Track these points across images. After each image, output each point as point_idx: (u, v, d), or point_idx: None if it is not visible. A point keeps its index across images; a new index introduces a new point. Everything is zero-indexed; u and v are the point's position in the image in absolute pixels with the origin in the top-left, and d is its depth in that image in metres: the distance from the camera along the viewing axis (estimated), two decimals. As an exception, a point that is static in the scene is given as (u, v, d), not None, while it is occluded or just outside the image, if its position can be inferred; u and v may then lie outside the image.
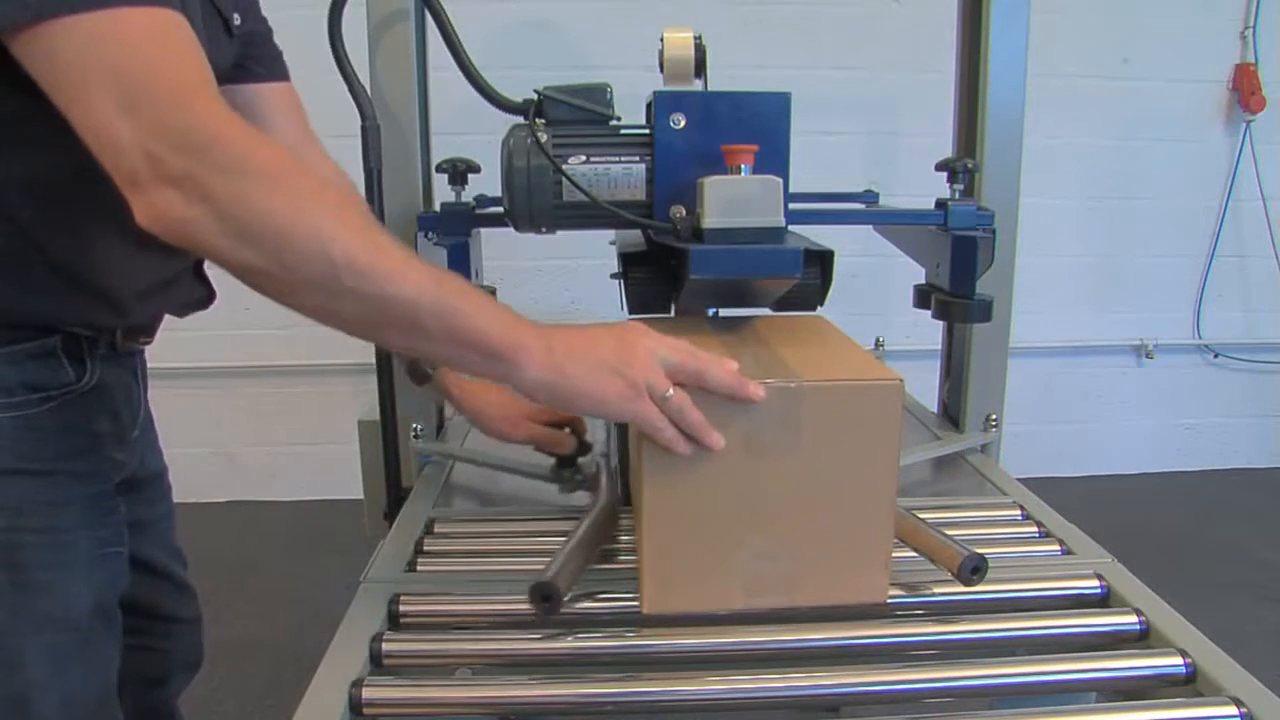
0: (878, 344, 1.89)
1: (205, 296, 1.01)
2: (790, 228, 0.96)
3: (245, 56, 1.01)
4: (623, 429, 1.02)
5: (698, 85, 1.06)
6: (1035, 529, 1.03)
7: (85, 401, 0.86)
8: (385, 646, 0.79)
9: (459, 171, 1.17)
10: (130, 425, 0.95)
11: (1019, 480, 1.18)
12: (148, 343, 0.97)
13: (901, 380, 0.78)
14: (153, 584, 1.08)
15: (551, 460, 1.14)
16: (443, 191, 1.20)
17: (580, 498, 1.10)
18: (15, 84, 0.67)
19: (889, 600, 0.84)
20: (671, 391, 0.74)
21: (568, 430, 1.13)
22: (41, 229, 0.79)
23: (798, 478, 0.78)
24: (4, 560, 0.80)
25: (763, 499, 0.79)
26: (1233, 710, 0.69)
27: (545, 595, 0.77)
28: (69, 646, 0.85)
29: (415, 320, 0.68)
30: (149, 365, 1.04)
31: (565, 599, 0.78)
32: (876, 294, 2.73)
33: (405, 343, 0.72)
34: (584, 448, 1.13)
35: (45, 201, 0.78)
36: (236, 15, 0.95)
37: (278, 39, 1.12)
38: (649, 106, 1.02)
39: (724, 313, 1.08)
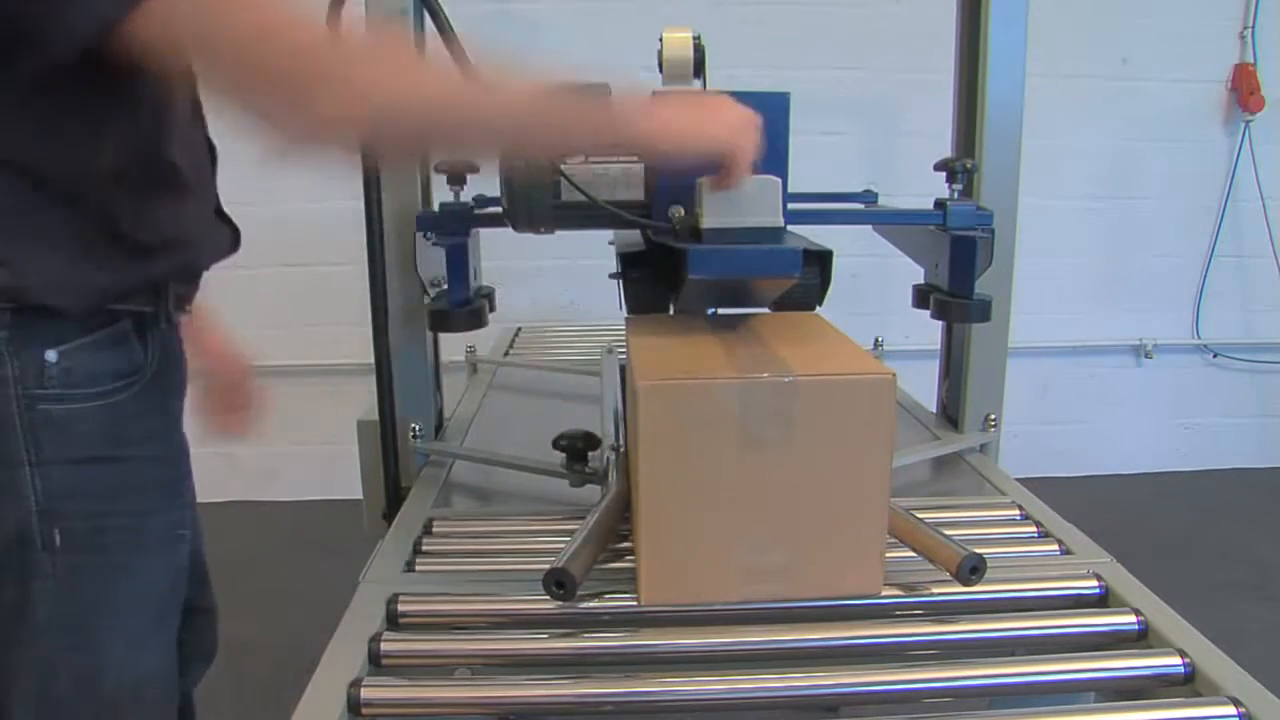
0: (877, 344, 1.89)
1: (234, 238, 0.99)
2: (789, 228, 0.96)
3: None
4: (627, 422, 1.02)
5: (697, 85, 1.06)
6: (1034, 529, 1.03)
7: (158, 383, 0.86)
8: (384, 646, 0.79)
9: (458, 171, 1.17)
10: (183, 395, 0.95)
11: (1018, 480, 1.18)
12: (189, 311, 0.95)
13: (894, 375, 0.80)
14: None
15: (561, 456, 1.14)
16: (442, 191, 1.20)
17: (588, 492, 1.10)
18: (98, 78, 0.69)
19: (888, 600, 0.85)
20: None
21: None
22: (125, 209, 0.79)
23: (792, 471, 0.80)
24: (91, 544, 0.80)
25: (758, 492, 0.80)
26: (1231, 710, 0.69)
27: (559, 582, 0.78)
28: (147, 628, 0.86)
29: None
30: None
31: (579, 587, 0.79)
32: (876, 294, 2.72)
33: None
34: (593, 441, 1.13)
35: (128, 184, 0.78)
36: None
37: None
38: (648, 106, 1.02)
39: (722, 312, 1.08)
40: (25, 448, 0.75)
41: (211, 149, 0.95)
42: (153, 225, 0.81)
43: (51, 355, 0.76)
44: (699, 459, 0.78)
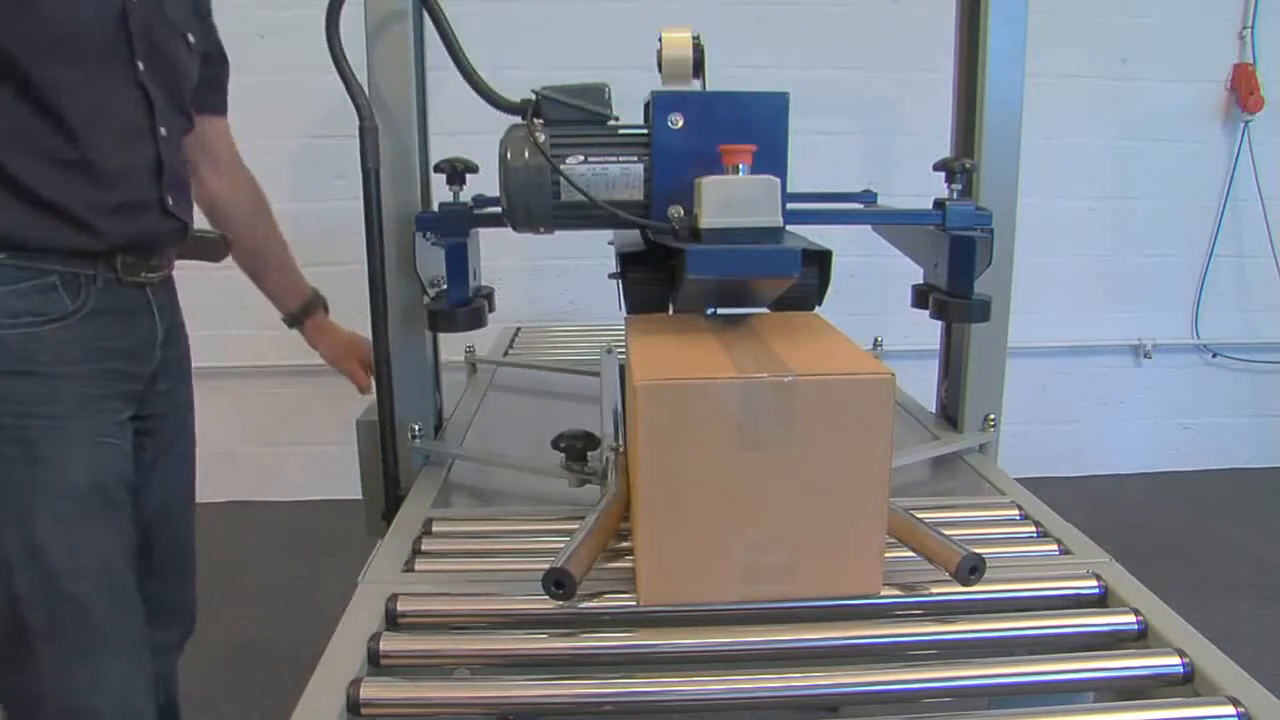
0: (876, 344, 1.89)
1: (174, 228, 1.20)
2: (788, 228, 0.96)
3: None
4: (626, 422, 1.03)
5: (696, 85, 1.06)
6: (1033, 529, 1.03)
7: (90, 324, 1.09)
8: (383, 646, 0.79)
9: (457, 171, 1.17)
10: (144, 348, 1.19)
11: (1017, 480, 1.18)
12: (153, 278, 1.18)
13: (893, 374, 0.79)
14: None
15: (561, 456, 1.14)
16: (441, 191, 1.20)
17: (588, 492, 1.10)
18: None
19: (887, 600, 0.85)
20: None
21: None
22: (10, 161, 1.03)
23: (791, 470, 0.79)
24: (16, 438, 1.04)
25: (757, 492, 0.80)
26: (1230, 710, 0.69)
27: (559, 582, 0.78)
28: (70, 510, 1.07)
29: None
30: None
31: (579, 587, 0.80)
32: (875, 294, 2.73)
33: None
34: (592, 441, 1.13)
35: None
36: (192, 36, 1.23)
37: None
38: (647, 106, 1.02)
39: (722, 312, 1.08)
40: None
41: (161, 159, 1.15)
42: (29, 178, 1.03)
43: None
44: (698, 459, 0.78)
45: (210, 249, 1.37)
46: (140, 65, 1.11)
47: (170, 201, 1.17)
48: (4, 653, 1.06)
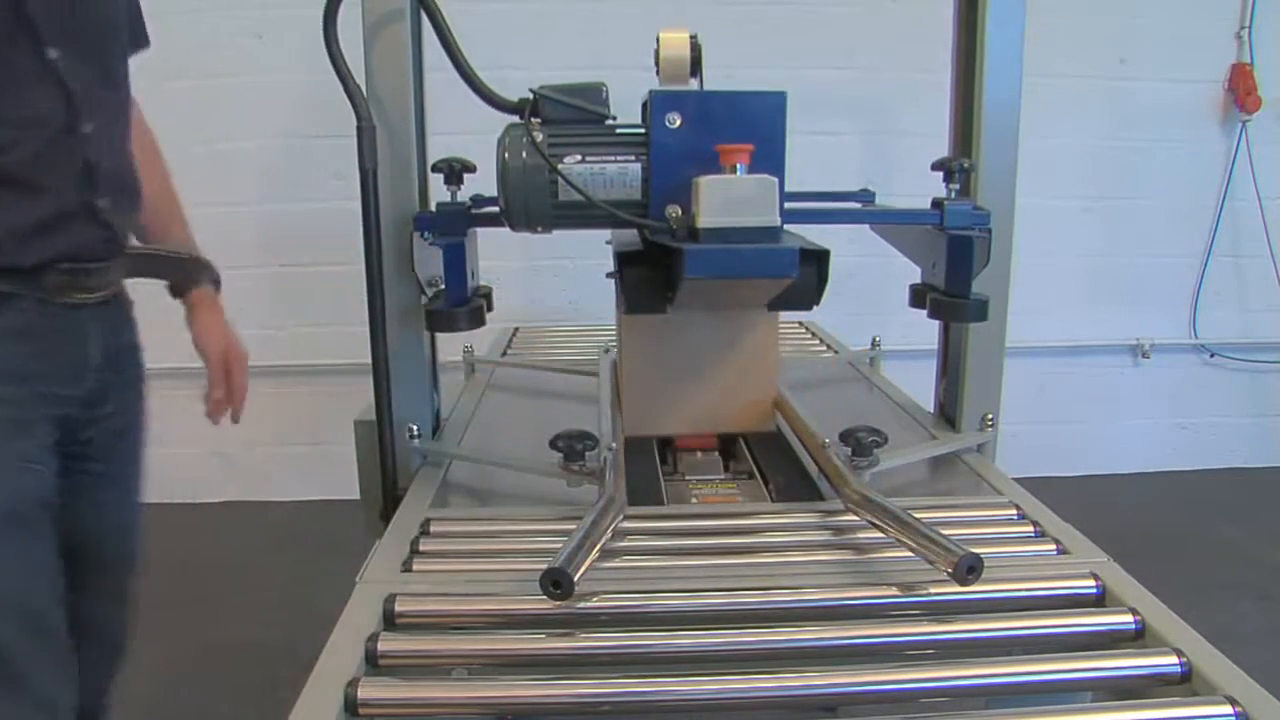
0: (874, 343, 1.89)
1: (107, 238, 1.09)
2: (786, 227, 0.96)
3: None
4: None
5: (694, 85, 1.06)
6: (1031, 529, 1.03)
7: (17, 344, 1.02)
8: (381, 646, 0.79)
9: (455, 171, 1.17)
10: (77, 372, 1.09)
11: (1015, 480, 1.18)
12: (89, 299, 1.08)
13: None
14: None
15: (558, 456, 1.14)
16: (439, 191, 1.20)
17: (585, 492, 1.10)
18: None
19: (885, 600, 0.86)
20: None
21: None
22: None
23: (716, 346, 1.25)
24: None
25: (694, 364, 1.25)
26: (1228, 709, 0.69)
27: (556, 582, 0.79)
28: None
29: None
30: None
31: (576, 587, 0.80)
32: (873, 294, 2.72)
33: None
34: (590, 441, 1.13)
35: None
36: None
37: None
38: (645, 106, 1.02)
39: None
40: None
41: (89, 160, 1.04)
42: None
43: None
44: (661, 340, 1.21)
45: (170, 268, 1.24)
46: (52, 53, 0.98)
47: (102, 206, 1.06)
48: None
